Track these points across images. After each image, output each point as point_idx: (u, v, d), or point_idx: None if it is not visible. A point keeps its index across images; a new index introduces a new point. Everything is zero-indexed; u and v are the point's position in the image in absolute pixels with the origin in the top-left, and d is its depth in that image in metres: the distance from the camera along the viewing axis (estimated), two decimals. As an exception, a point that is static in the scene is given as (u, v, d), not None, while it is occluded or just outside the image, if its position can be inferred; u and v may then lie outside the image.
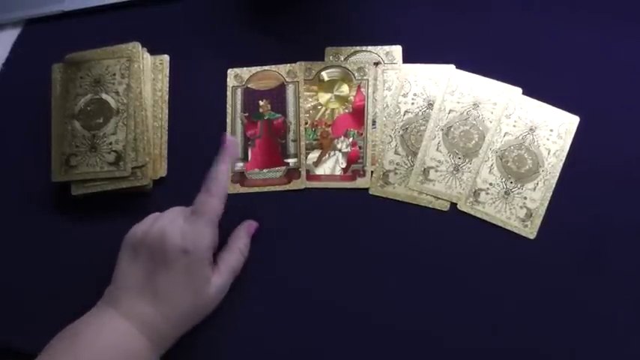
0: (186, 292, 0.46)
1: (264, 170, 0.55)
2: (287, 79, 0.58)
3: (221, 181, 0.48)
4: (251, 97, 0.58)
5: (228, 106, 0.57)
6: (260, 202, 0.55)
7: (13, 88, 0.62)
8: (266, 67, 0.58)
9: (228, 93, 0.58)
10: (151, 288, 0.45)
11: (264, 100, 0.57)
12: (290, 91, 0.57)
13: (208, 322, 0.49)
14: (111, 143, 0.55)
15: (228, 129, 0.57)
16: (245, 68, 0.58)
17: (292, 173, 0.55)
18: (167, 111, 0.58)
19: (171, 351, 0.47)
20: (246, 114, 0.57)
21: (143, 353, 0.44)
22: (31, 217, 0.56)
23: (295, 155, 0.56)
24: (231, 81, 0.58)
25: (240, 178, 0.55)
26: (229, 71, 0.58)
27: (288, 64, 0.58)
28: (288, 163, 0.55)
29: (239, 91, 0.57)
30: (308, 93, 0.58)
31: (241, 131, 0.57)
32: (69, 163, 0.55)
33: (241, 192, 0.55)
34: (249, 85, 0.58)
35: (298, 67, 0.58)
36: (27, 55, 0.63)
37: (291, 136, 0.56)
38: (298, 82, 0.57)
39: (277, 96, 0.57)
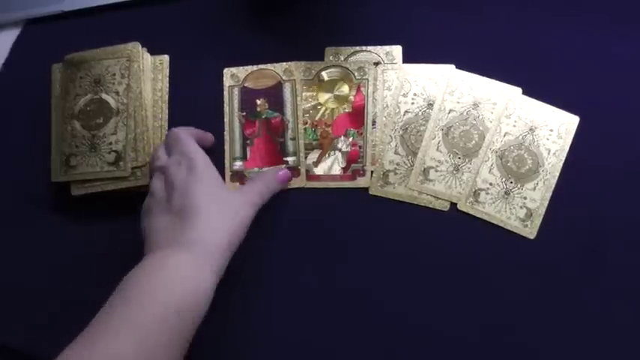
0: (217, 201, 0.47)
1: (264, 169, 0.55)
2: (284, 78, 0.58)
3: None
4: (248, 96, 0.58)
5: (225, 105, 0.57)
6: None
7: (13, 88, 0.62)
8: (262, 66, 0.58)
9: (225, 93, 0.58)
10: (181, 212, 0.45)
11: (262, 99, 0.57)
12: (287, 89, 0.57)
13: (208, 321, 0.49)
14: (111, 143, 0.55)
15: (227, 128, 0.57)
16: (241, 67, 0.58)
17: (292, 171, 0.55)
18: (167, 111, 0.58)
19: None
20: (244, 113, 0.57)
21: (203, 276, 0.43)
22: (31, 217, 0.56)
23: (294, 153, 0.56)
24: (227, 80, 0.58)
25: (239, 177, 0.55)
26: (225, 71, 0.58)
27: (285, 63, 0.58)
28: (287, 162, 0.55)
29: (236, 91, 0.57)
30: (308, 93, 0.58)
31: (239, 130, 0.57)
32: (69, 163, 0.55)
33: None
34: (245, 84, 0.58)
35: (294, 65, 0.58)
36: (27, 55, 0.63)
37: (289, 134, 0.56)
38: (295, 80, 0.58)
39: (274, 95, 0.57)
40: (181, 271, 0.43)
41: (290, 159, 0.55)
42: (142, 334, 0.39)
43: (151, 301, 0.41)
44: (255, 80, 0.58)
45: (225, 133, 0.56)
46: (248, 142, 0.56)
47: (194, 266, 0.43)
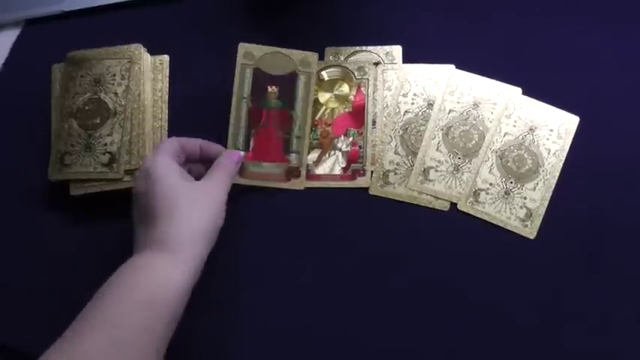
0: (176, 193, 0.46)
1: (264, 164, 0.54)
2: (300, 68, 0.55)
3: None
4: (260, 80, 0.54)
5: (235, 85, 0.54)
6: (259, 198, 0.55)
7: (13, 88, 0.62)
8: (279, 49, 0.56)
9: (237, 71, 0.54)
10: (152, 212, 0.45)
11: (273, 87, 0.54)
12: (301, 82, 0.55)
13: (208, 321, 0.49)
14: (106, 144, 0.54)
15: (233, 113, 0.54)
16: (257, 45, 0.55)
17: (292, 171, 0.54)
18: (167, 111, 0.58)
19: (172, 351, 0.47)
20: (252, 98, 0.54)
21: (175, 277, 0.44)
22: (31, 217, 0.56)
23: (297, 152, 0.54)
24: (240, 58, 0.54)
25: (240, 168, 0.53)
26: (240, 46, 0.55)
27: (302, 51, 0.56)
28: (289, 161, 0.54)
29: (248, 72, 0.54)
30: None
31: (245, 118, 0.54)
32: (63, 161, 0.54)
33: (240, 183, 0.54)
34: (260, 67, 0.54)
35: (312, 57, 0.56)
36: (27, 55, 0.63)
37: (296, 131, 0.54)
38: (311, 73, 0.55)
39: (288, 85, 0.55)
40: (148, 268, 0.44)
41: (292, 157, 0.54)
42: (113, 330, 0.40)
43: (121, 298, 0.42)
44: (270, 64, 0.54)
45: (230, 117, 0.54)
46: (253, 131, 0.54)
47: (162, 263, 0.44)
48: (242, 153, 0.52)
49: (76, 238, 0.55)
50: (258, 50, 0.54)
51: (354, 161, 0.55)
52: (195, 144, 0.51)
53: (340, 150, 0.56)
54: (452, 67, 0.57)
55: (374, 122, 0.56)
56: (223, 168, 0.49)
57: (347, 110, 0.57)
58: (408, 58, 0.58)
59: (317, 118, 0.57)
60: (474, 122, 0.55)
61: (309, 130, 0.54)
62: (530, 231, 0.52)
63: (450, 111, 0.56)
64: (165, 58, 0.60)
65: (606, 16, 0.59)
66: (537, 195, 0.53)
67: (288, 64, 0.54)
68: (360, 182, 0.55)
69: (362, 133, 0.56)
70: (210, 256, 0.48)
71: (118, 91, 0.56)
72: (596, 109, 0.55)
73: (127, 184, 0.53)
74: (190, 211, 0.45)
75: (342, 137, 0.56)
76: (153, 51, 0.59)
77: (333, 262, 0.52)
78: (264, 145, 0.54)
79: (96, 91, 0.56)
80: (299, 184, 0.54)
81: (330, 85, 0.58)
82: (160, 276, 0.43)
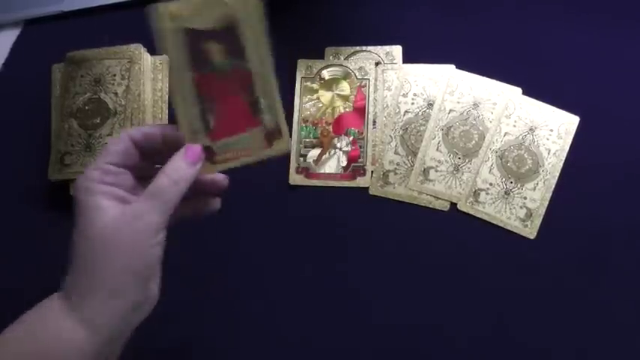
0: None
1: (236, 137, 0.42)
2: (240, 14, 0.42)
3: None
4: (197, 41, 0.41)
5: (169, 56, 0.40)
6: (258, 197, 0.54)
7: (13, 88, 0.62)
8: None
9: (164, 38, 0.40)
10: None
11: (216, 44, 0.42)
12: (246, 29, 0.42)
13: (207, 321, 0.49)
14: (106, 144, 0.54)
15: (176, 88, 0.41)
16: (175, 1, 0.40)
17: (273, 134, 0.43)
18: (167, 111, 0.58)
19: (172, 351, 0.47)
20: (196, 67, 0.41)
21: (78, 344, 0.36)
22: (31, 217, 0.56)
23: (270, 111, 0.42)
24: (164, 21, 0.40)
25: (207, 153, 0.41)
26: (158, 7, 0.40)
27: None
28: (263, 124, 0.42)
29: (179, 35, 0.40)
30: (309, 91, 0.57)
31: (192, 90, 0.41)
32: (63, 161, 0.54)
33: (217, 171, 0.42)
34: (190, 25, 0.41)
35: None
36: (27, 55, 0.63)
37: (260, 89, 0.42)
38: (255, 15, 0.43)
39: (232, 38, 0.42)
40: (47, 319, 0.38)
41: (267, 118, 0.42)
42: None
43: (18, 341, 0.37)
44: (202, 19, 0.41)
45: (176, 98, 0.41)
46: (208, 106, 0.41)
47: (63, 317, 0.37)
48: (198, 148, 0.40)
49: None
50: (180, 6, 0.41)
51: (355, 161, 0.55)
52: (154, 134, 0.40)
53: (340, 149, 0.56)
54: (452, 67, 0.57)
55: (374, 122, 0.56)
56: (166, 179, 0.38)
57: (347, 110, 0.57)
58: (408, 58, 0.58)
59: (317, 117, 0.57)
60: (474, 122, 0.55)
61: (275, 84, 0.42)
62: (530, 231, 0.52)
63: (450, 111, 0.56)
64: (165, 58, 0.60)
65: (606, 16, 0.59)
66: (537, 195, 0.53)
67: (223, 13, 0.42)
68: (360, 182, 0.55)
69: (362, 133, 0.56)
70: (209, 256, 0.48)
71: (118, 91, 0.56)
72: (596, 109, 0.55)
73: None
74: (107, 259, 0.36)
75: (343, 136, 0.56)
76: (153, 51, 0.59)
77: (332, 262, 0.52)
78: (229, 117, 0.42)
79: (96, 91, 0.56)
80: (284, 144, 0.43)
81: (330, 84, 0.58)
82: (55, 333, 0.36)
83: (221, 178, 0.43)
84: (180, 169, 0.38)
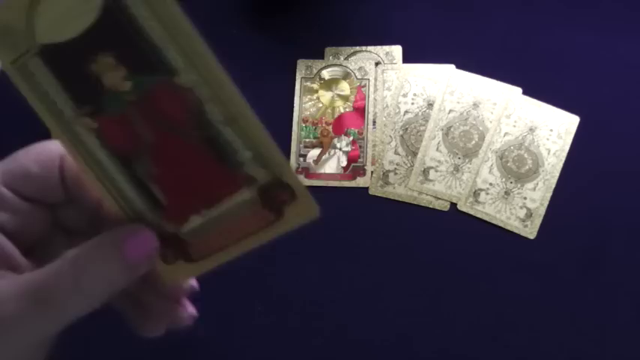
0: None
1: (213, 209, 0.27)
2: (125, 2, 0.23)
3: None
4: (76, 63, 0.25)
5: (32, 103, 0.28)
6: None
7: (13, 88, 0.61)
8: None
9: (17, 82, 0.28)
10: None
11: (106, 58, 0.24)
12: (148, 14, 0.23)
13: (207, 321, 0.49)
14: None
15: (68, 150, 0.28)
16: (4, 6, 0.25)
17: (275, 193, 0.27)
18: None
19: (172, 351, 0.47)
20: (83, 106, 0.26)
21: None
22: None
23: (254, 150, 0.25)
24: (6, 56, 0.26)
25: (174, 246, 0.27)
26: None
27: None
28: (242, 173, 0.25)
29: (38, 62, 0.26)
30: (308, 91, 0.58)
31: (104, 153, 0.27)
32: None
33: (196, 275, 0.31)
34: (45, 40, 0.25)
35: None
36: (27, 55, 0.63)
37: (215, 114, 0.24)
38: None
39: (128, 37, 0.24)
40: None
41: (247, 166, 0.25)
42: None
43: None
44: (58, 27, 0.25)
45: (92, 171, 0.28)
46: (140, 166, 0.26)
47: None
48: (148, 236, 0.26)
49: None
50: (12, 14, 0.24)
51: (355, 161, 0.55)
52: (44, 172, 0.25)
53: (340, 149, 0.56)
54: (452, 67, 0.57)
55: (374, 122, 0.56)
56: (71, 280, 0.23)
57: (347, 110, 0.57)
58: (408, 58, 0.58)
59: (317, 117, 0.57)
60: (474, 122, 0.55)
61: (245, 104, 0.24)
62: (530, 231, 0.52)
63: (450, 111, 0.56)
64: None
65: (606, 17, 0.59)
66: (537, 195, 0.53)
67: (85, 8, 0.24)
68: (360, 182, 0.55)
69: (362, 133, 0.56)
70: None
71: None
72: (596, 109, 0.55)
73: None
74: None
75: (343, 137, 0.56)
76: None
77: (332, 262, 0.52)
78: (178, 176, 0.25)
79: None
80: (305, 207, 0.29)
81: (330, 85, 0.58)
82: None
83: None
84: (105, 272, 0.22)
